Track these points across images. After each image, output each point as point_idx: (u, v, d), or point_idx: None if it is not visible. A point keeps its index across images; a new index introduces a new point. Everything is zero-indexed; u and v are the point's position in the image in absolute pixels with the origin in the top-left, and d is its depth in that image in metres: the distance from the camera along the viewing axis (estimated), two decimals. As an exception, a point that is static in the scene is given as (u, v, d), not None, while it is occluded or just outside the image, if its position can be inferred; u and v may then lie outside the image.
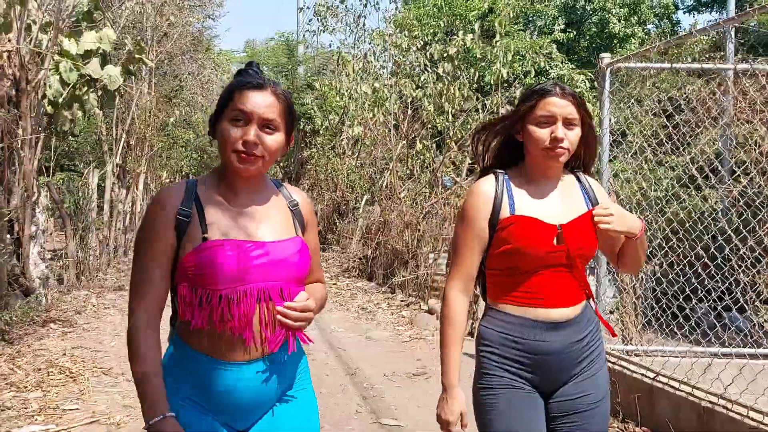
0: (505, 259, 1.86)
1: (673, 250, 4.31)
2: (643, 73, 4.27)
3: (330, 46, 16.88)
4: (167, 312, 1.65)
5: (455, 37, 9.27)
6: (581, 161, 1.99)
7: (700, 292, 4.15)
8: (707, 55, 10.51)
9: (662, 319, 4.20)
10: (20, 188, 6.54)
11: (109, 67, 8.51)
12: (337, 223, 12.80)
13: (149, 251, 1.59)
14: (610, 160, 4.34)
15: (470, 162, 9.83)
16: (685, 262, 4.24)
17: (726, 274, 4.09)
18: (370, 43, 11.74)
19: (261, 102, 1.59)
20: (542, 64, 11.06)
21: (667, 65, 4.04)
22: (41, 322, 6.16)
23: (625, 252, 1.96)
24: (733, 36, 9.83)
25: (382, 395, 4.66)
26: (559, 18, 17.33)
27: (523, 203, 1.87)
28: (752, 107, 4.14)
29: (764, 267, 4.25)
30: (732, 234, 4.09)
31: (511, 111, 1.95)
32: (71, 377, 4.71)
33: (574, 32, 17.09)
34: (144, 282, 1.58)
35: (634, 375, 3.93)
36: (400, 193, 9.26)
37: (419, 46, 10.01)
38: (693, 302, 4.10)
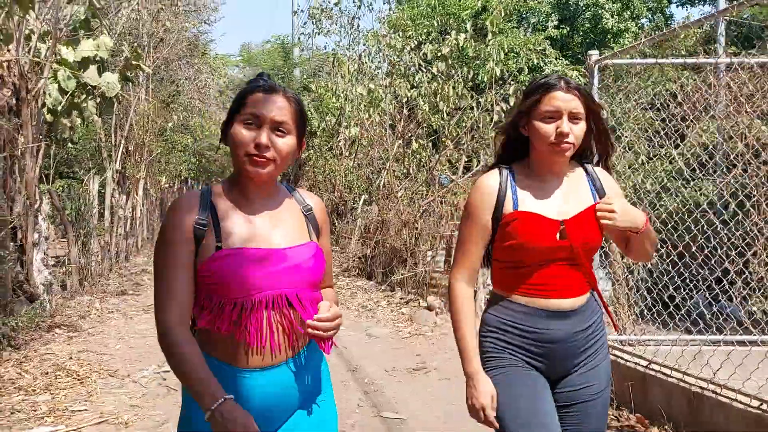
0: (510, 252, 1.88)
1: (663, 242, 4.41)
2: (630, 70, 4.37)
3: (325, 48, 16.95)
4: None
5: (449, 36, 9.37)
6: (595, 154, 1.99)
7: (690, 282, 4.24)
8: (701, 48, 10.62)
9: (654, 310, 4.30)
10: (23, 196, 6.64)
11: (107, 74, 8.61)
12: (336, 224, 12.90)
13: (170, 261, 1.58)
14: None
15: (466, 160, 9.94)
16: (675, 253, 4.34)
17: (715, 263, 4.19)
18: (364, 44, 11.84)
19: (272, 105, 1.60)
20: (536, 61, 11.15)
21: (652, 60, 4.14)
22: (46, 327, 6.25)
23: (632, 244, 1.96)
24: (723, 29, 9.93)
25: (383, 390, 4.76)
26: (553, 14, 17.45)
27: (527, 198, 1.88)
28: (737, 99, 4.24)
29: (751, 256, 4.34)
30: (720, 225, 4.20)
31: (515, 106, 1.95)
32: (78, 380, 4.81)
33: (568, 28, 17.19)
34: (168, 291, 1.57)
35: (628, 364, 4.03)
36: (397, 192, 9.36)
37: (413, 46, 10.11)
38: (683, 292, 4.20)
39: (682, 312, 4.14)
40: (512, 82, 9.49)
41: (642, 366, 3.94)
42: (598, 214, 1.84)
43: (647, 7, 18.01)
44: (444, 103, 9.11)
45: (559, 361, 1.89)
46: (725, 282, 4.24)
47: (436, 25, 13.19)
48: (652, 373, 3.83)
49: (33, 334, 5.94)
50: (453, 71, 9.43)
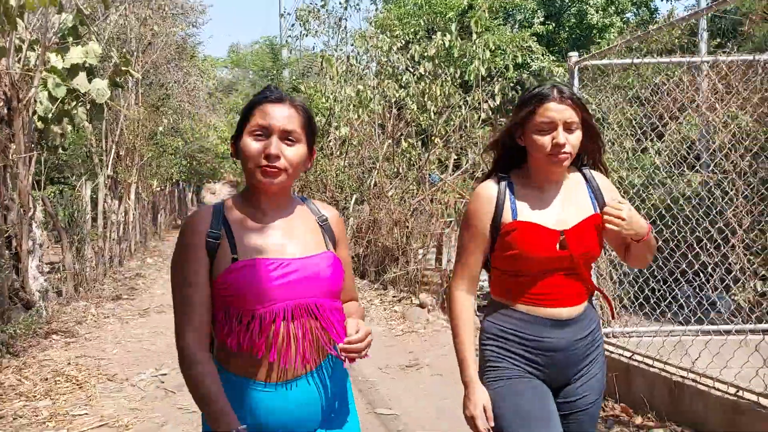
0: (510, 262, 1.88)
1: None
2: (606, 70, 4.50)
3: (314, 49, 17.03)
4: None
5: (435, 36, 9.48)
6: (588, 159, 1.99)
7: (671, 274, 4.38)
8: (686, 40, 10.79)
9: (636, 303, 4.44)
10: (16, 204, 6.71)
11: (97, 80, 8.67)
12: (328, 224, 12.96)
13: (186, 277, 1.58)
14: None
15: (455, 158, 10.06)
16: (660, 244, 4.48)
17: (696, 256, 4.33)
18: (352, 45, 11.93)
19: (280, 114, 1.59)
20: (520, 60, 11.29)
21: (628, 61, 4.27)
22: (43, 334, 6.33)
23: (632, 250, 1.95)
24: (705, 24, 10.10)
25: (377, 387, 4.88)
26: (538, 11, 17.59)
27: (526, 208, 1.88)
28: (715, 96, 4.38)
29: (731, 248, 4.49)
30: (701, 217, 4.34)
31: (510, 118, 1.94)
32: (78, 385, 4.90)
33: (554, 24, 17.34)
34: (186, 307, 1.57)
35: (613, 355, 4.16)
36: (387, 191, 9.47)
37: (401, 45, 10.21)
38: (664, 285, 4.34)
39: (664, 305, 4.28)
40: (499, 79, 9.62)
41: (626, 357, 4.07)
42: (606, 218, 1.82)
43: (632, 1, 18.18)
44: (432, 102, 9.22)
45: (560, 369, 1.90)
46: (705, 273, 4.37)
47: (422, 24, 13.30)
48: (635, 363, 3.96)
49: (31, 340, 6.02)
50: (440, 71, 9.55)
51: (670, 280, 4.18)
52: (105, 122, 11.19)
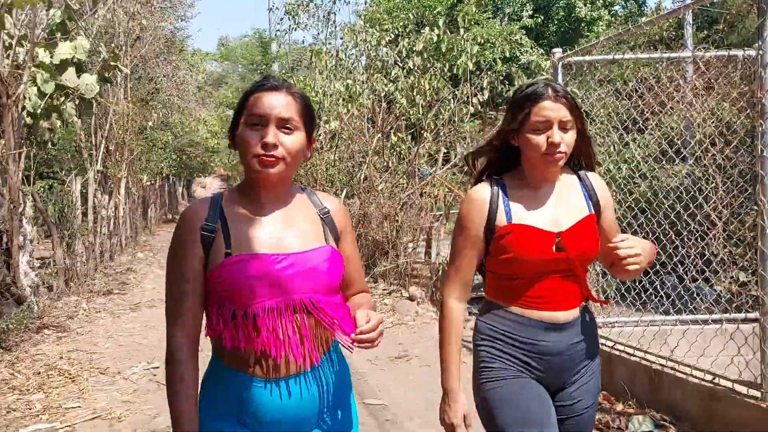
0: (506, 265, 1.85)
1: (630, 227, 4.65)
2: (586, 69, 4.59)
3: (303, 42, 17.03)
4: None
5: (423, 31, 9.54)
6: (580, 161, 1.96)
7: (653, 267, 4.49)
8: (674, 33, 10.90)
9: (618, 294, 4.55)
10: (6, 200, 6.73)
11: (85, 75, 8.68)
12: (319, 218, 13.01)
13: (179, 270, 1.57)
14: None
15: (445, 152, 10.14)
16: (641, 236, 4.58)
17: (675, 248, 4.43)
18: (341, 39, 11.96)
19: (277, 102, 1.54)
20: (508, 54, 11.36)
21: (610, 57, 4.36)
22: (35, 328, 6.37)
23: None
24: (690, 20, 10.22)
25: (366, 378, 4.97)
26: (527, 4, 17.68)
27: (520, 210, 1.85)
28: (693, 90, 4.48)
29: (711, 240, 4.60)
30: (681, 210, 4.44)
31: (505, 120, 1.89)
32: (70, 378, 4.96)
33: (542, 17, 17.44)
34: (177, 301, 1.56)
35: (595, 345, 4.26)
36: (377, 185, 9.53)
37: (390, 39, 10.25)
38: (645, 277, 4.45)
39: (645, 296, 4.38)
40: (489, 73, 9.68)
41: (608, 347, 4.18)
42: (625, 262, 1.74)
43: (620, -6, 18.33)
44: (421, 96, 9.29)
45: (556, 374, 1.87)
46: (687, 263, 4.48)
47: (411, 18, 13.34)
48: (617, 353, 4.07)
49: (23, 335, 6.06)
50: (429, 65, 9.61)
51: (651, 272, 4.28)
52: (94, 117, 11.20)
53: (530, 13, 17.18)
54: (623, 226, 4.62)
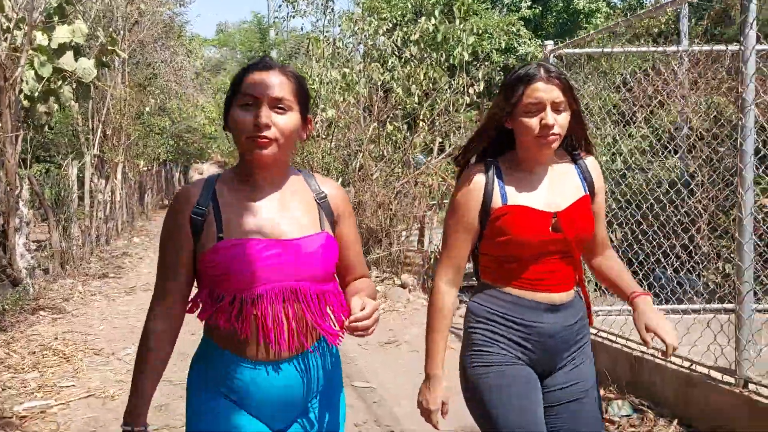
0: (502, 247, 1.82)
1: (616, 218, 4.74)
2: (578, 61, 4.65)
3: (302, 29, 17.01)
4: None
5: (419, 21, 9.57)
6: (575, 143, 1.93)
7: (636, 257, 4.58)
8: (672, 26, 10.95)
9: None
10: (3, 183, 6.79)
11: (83, 59, 8.71)
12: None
13: (168, 252, 1.58)
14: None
15: (440, 141, 10.21)
16: (626, 229, 4.67)
17: (663, 238, 4.52)
18: (339, 27, 11.97)
19: (269, 82, 1.51)
20: (506, 44, 11.40)
21: (598, 50, 4.43)
22: (31, 310, 6.46)
23: (619, 287, 1.94)
24: (686, 11, 10.24)
25: (356, 362, 5.07)
26: (526, -5, 17.64)
27: (516, 192, 1.83)
28: (679, 85, 4.56)
29: (696, 232, 4.69)
30: (667, 203, 4.53)
31: (497, 104, 1.85)
32: (65, 358, 5.05)
33: (541, 8, 17.42)
34: (164, 282, 1.58)
35: (579, 333, 4.36)
36: (372, 174, 9.60)
37: (388, 27, 10.28)
38: (630, 267, 4.54)
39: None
40: (485, 64, 9.74)
41: (592, 334, 4.27)
42: (670, 353, 1.74)
43: (619, -14, 18.30)
44: (417, 86, 9.34)
45: (550, 356, 1.85)
46: (671, 255, 4.58)
47: (410, 6, 13.34)
48: (600, 340, 4.17)
49: (18, 316, 6.15)
50: (425, 55, 9.65)
51: (636, 262, 4.38)
52: (91, 101, 11.22)
53: (528, 4, 17.15)
54: (610, 218, 4.72)
